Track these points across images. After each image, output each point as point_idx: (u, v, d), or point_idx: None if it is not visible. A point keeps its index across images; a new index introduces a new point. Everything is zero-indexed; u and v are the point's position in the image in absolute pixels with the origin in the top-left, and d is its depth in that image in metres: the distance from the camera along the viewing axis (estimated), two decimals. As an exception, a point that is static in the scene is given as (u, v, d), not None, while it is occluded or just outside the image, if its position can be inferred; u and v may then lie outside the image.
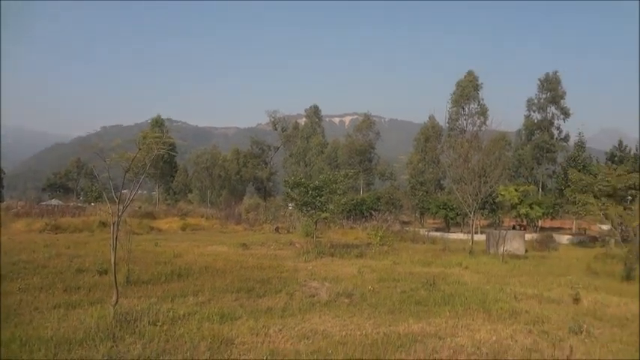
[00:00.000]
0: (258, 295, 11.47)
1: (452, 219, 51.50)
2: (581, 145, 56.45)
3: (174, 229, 36.91)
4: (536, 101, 60.66)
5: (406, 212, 62.09)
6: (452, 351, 7.37)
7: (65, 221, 32.00)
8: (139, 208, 51.28)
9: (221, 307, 9.75)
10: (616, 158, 44.74)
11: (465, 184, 27.97)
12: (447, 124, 62.67)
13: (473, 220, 30.90)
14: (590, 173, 39.39)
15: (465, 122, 62.07)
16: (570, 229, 53.22)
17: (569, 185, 41.96)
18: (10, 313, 8.79)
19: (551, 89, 59.38)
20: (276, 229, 38.55)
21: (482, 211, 46.82)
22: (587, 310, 10.97)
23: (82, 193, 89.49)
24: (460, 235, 42.62)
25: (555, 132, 60.60)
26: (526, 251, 26.79)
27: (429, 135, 65.03)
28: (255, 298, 11.23)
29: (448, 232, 48.01)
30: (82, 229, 30.11)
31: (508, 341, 7.96)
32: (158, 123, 75.71)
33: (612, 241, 25.65)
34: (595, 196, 33.45)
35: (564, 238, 41.25)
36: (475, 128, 59.22)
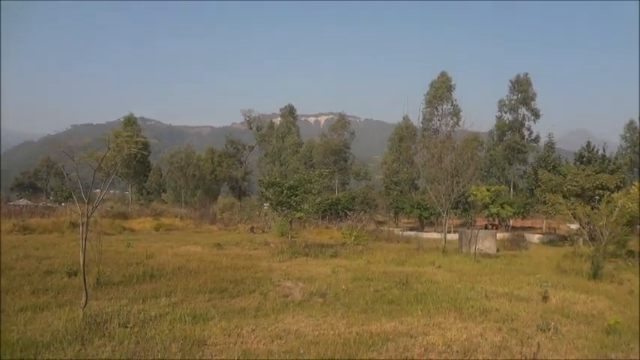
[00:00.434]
0: (231, 296, 11.40)
1: (426, 218, 52.09)
2: (551, 146, 57.72)
3: (148, 230, 36.40)
4: (507, 102, 61.77)
5: (381, 212, 62.58)
6: (423, 349, 7.46)
7: (34, 222, 31.23)
8: (111, 208, 50.45)
9: (194, 308, 9.65)
10: (584, 159, 45.77)
11: (438, 183, 28.29)
12: (421, 125, 63.33)
13: (446, 220, 31.28)
14: (560, 173, 40.26)
15: (438, 122, 62.84)
16: (541, 228, 54.35)
17: (539, 185, 42.82)
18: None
19: (522, 91, 60.56)
20: (251, 229, 38.38)
21: (455, 210, 47.46)
22: (555, 308, 11.22)
23: (51, 192, 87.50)
24: (434, 235, 43.11)
25: (526, 133, 61.85)
26: (498, 250, 27.26)
27: (403, 135, 65.57)
28: (228, 298, 11.16)
29: (422, 231, 48.53)
30: (51, 230, 29.42)
31: (478, 339, 8.09)
32: (130, 122, 74.54)
33: (580, 240, 26.25)
34: (564, 196, 34.21)
35: (535, 237, 42.08)
36: (448, 129, 59.98)
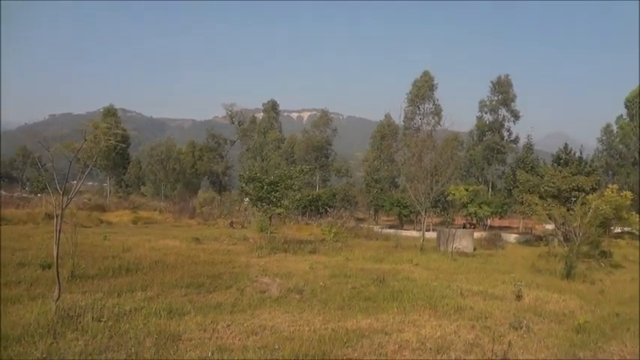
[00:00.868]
0: (208, 291, 11.36)
1: (405, 216, 52.44)
2: (529, 148, 58.54)
3: (126, 223, 35.98)
4: (487, 103, 62.43)
5: (361, 209, 62.79)
6: (397, 346, 7.54)
7: (8, 212, 30.59)
8: (89, 200, 49.73)
9: (169, 303, 9.60)
10: (561, 161, 46.50)
11: (418, 182, 28.50)
12: (403, 123, 63.74)
13: (424, 218, 31.54)
14: (537, 175, 40.88)
15: (420, 121, 63.28)
16: (518, 228, 55.11)
17: (517, 186, 43.40)
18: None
19: (503, 92, 61.26)
20: (231, 224, 38.19)
21: (434, 209, 47.89)
22: (528, 307, 11.42)
23: (27, 183, 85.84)
24: (413, 233, 43.44)
25: (506, 134, 62.62)
26: (475, 249, 27.59)
27: (385, 133, 65.86)
28: (205, 293, 11.11)
29: (401, 229, 48.83)
30: (26, 221, 28.88)
31: (452, 336, 8.21)
32: (110, 112, 73.39)
33: (555, 240, 26.72)
34: (541, 197, 34.76)
35: (512, 237, 42.66)
36: (430, 128, 60.48)
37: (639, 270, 20.37)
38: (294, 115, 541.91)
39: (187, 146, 78.02)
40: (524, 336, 8.53)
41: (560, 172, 37.93)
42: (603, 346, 8.18)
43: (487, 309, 10.68)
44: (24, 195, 57.07)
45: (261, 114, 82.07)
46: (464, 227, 43.37)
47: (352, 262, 18.32)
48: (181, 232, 29.57)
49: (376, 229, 41.85)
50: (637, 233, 33.97)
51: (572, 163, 44.59)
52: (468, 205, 41.23)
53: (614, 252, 26.08)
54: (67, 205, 8.55)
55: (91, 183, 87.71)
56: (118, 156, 73.21)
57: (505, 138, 62.36)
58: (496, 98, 61.87)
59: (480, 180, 60.20)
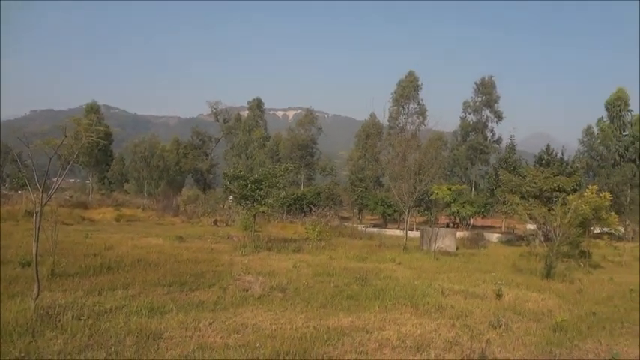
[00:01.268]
0: (190, 289, 11.31)
1: (389, 215, 52.74)
2: (512, 148, 59.31)
3: (108, 220, 35.59)
4: (471, 104, 63.11)
5: (346, 208, 62.99)
6: (378, 344, 7.61)
7: (-13, 209, 30.11)
8: (71, 197, 49.04)
9: (151, 301, 9.54)
10: (543, 161, 47.22)
11: (402, 182, 28.68)
12: (388, 123, 64.05)
13: (407, 217, 31.75)
14: (520, 175, 41.36)
15: (404, 121, 63.69)
16: (500, 227, 55.78)
17: (499, 186, 43.89)
18: None
19: (486, 93, 61.95)
20: (215, 222, 38.01)
21: (418, 208, 48.22)
22: (507, 305, 11.57)
23: (7, 180, 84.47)
24: (397, 232, 43.70)
25: (489, 134, 63.47)
26: (457, 248, 27.86)
27: (370, 132, 66.19)
28: (187, 291, 11.07)
29: (385, 228, 49.10)
30: (6, 219, 28.43)
31: (432, 334, 8.31)
32: (93, 109, 72.44)
33: (536, 240, 27.13)
34: (523, 197, 35.24)
35: (494, 237, 43.16)
36: (414, 127, 60.91)
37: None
38: (280, 113, 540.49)
39: (172, 144, 77.41)
40: (503, 334, 8.65)
41: (542, 172, 38.44)
42: (579, 344, 8.34)
43: (467, 307, 10.81)
44: (4, 192, 56.17)
45: (247, 112, 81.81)
46: (447, 226, 43.76)
47: (336, 261, 18.37)
48: (165, 230, 29.39)
49: (360, 228, 41.99)
50: (615, 234, 34.59)
51: (554, 163, 45.29)
52: (452, 204, 41.62)
53: (593, 252, 26.52)
54: (46, 203, 8.48)
55: (73, 180, 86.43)
56: (101, 153, 72.45)
57: (488, 138, 63.14)
58: (480, 99, 62.61)
59: (464, 180, 60.85)
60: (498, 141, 63.37)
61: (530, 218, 26.16)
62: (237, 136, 76.75)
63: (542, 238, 23.07)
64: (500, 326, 9.05)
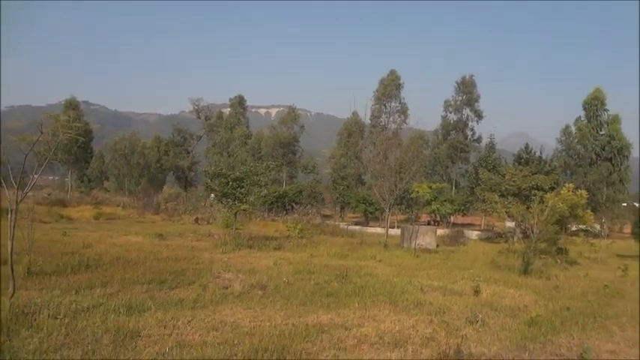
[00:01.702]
0: (170, 287, 11.26)
1: (371, 213, 52.97)
2: (492, 147, 60.10)
3: (87, 218, 35.13)
4: (452, 103, 63.73)
5: (328, 206, 63.12)
6: (356, 340, 7.69)
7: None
8: (49, 195, 48.26)
9: (129, 299, 9.48)
10: (522, 160, 47.85)
11: (383, 180, 28.84)
12: (370, 121, 64.32)
13: (388, 215, 31.94)
14: (499, 173, 41.93)
15: (386, 120, 64.05)
16: (480, 225, 56.46)
17: (479, 184, 44.46)
18: None
19: (467, 92, 62.61)
20: (196, 220, 37.82)
21: (399, 206, 48.57)
22: (485, 301, 11.75)
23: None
24: (378, 229, 43.90)
25: (469, 133, 64.16)
26: (437, 246, 28.10)
27: (352, 130, 66.38)
28: (166, 289, 11.01)
29: (367, 226, 49.33)
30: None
31: (410, 331, 8.41)
32: (72, 105, 71.36)
33: (515, 237, 27.54)
34: (502, 195, 35.73)
35: (474, 234, 43.65)
36: (395, 126, 61.28)
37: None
38: (262, 110, 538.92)
39: (153, 141, 76.53)
40: (479, 330, 8.80)
41: (521, 171, 39.00)
42: (552, 339, 8.52)
43: (446, 304, 10.95)
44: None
45: (229, 109, 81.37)
46: (428, 224, 44.16)
47: (317, 259, 18.42)
48: (145, 228, 29.13)
49: (342, 225, 42.11)
50: (592, 231, 35.26)
51: (533, 162, 45.94)
52: (432, 202, 41.99)
53: (570, 249, 26.95)
54: (21, 200, 8.36)
55: (52, 177, 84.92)
56: (80, 150, 71.39)
57: (469, 137, 63.82)
58: (460, 98, 63.23)
59: (444, 178, 61.42)
60: (478, 140, 64.15)
61: (509, 216, 26.54)
62: (219, 134, 76.30)
63: (520, 236, 23.43)
64: (476, 322, 9.19)
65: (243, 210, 25.99)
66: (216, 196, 26.74)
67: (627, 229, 47.45)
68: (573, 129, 61.21)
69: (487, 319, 9.59)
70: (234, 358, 6.61)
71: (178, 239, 22.66)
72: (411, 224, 32.68)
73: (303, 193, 56.80)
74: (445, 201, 46.30)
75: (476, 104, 63.19)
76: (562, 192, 27.05)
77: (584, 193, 27.56)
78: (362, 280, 13.43)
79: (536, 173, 39.17)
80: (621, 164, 56.99)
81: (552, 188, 35.83)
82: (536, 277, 17.27)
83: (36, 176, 9.12)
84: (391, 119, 63.94)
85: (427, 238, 27.03)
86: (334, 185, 62.09)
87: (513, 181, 37.48)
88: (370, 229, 44.27)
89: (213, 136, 76.97)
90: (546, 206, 22.08)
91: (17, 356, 6.21)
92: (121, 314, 8.38)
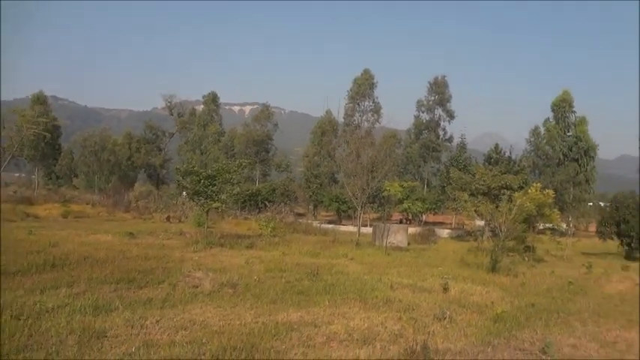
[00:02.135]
0: (139, 286, 11.11)
1: (344, 212, 53.22)
2: (463, 147, 61.11)
3: (55, 217, 34.31)
4: (425, 103, 64.47)
5: (301, 204, 63.12)
6: (325, 338, 7.74)
7: None
8: (15, 192, 47.01)
9: (96, 299, 9.33)
10: (492, 160, 48.78)
11: (356, 178, 29.01)
12: (343, 120, 64.58)
13: (360, 214, 32.17)
14: (470, 173, 42.66)
15: (359, 118, 64.39)
16: (450, 223, 57.30)
17: (450, 183, 45.12)
18: None
19: (439, 92, 63.43)
20: (167, 219, 37.36)
21: (371, 205, 48.90)
22: (453, 298, 11.97)
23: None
24: (350, 228, 44.10)
25: (441, 133, 65.06)
26: (409, 244, 28.43)
27: (326, 129, 66.52)
28: (135, 289, 10.86)
29: (340, 224, 49.53)
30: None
31: (378, 328, 8.51)
32: (40, 100, 69.58)
33: (484, 235, 28.08)
34: (472, 194, 36.38)
35: (445, 232, 44.34)
36: (369, 125, 61.67)
37: None
38: (236, 108, 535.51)
39: (124, 137, 75.00)
40: (447, 326, 8.96)
41: (491, 170, 39.76)
42: (516, 334, 8.75)
43: (415, 301, 11.11)
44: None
45: (202, 106, 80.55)
46: (400, 223, 44.59)
47: (288, 257, 18.43)
48: (115, 226, 28.63)
49: (315, 224, 42.17)
50: (558, 229, 36.17)
51: (502, 162, 46.89)
52: (404, 201, 42.44)
53: (538, 247, 27.59)
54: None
55: (18, 175, 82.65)
56: (48, 146, 69.60)
57: (440, 137, 64.69)
58: (433, 98, 64.01)
59: (416, 177, 62.14)
60: (450, 139, 65.13)
61: (478, 215, 27.02)
62: (191, 131, 75.42)
63: (489, 234, 23.88)
64: (444, 318, 9.36)
65: (215, 208, 25.77)
66: (188, 194, 26.48)
67: (592, 228, 48.79)
68: (542, 130, 62.57)
69: (455, 315, 9.78)
70: (202, 357, 6.58)
71: (149, 238, 22.36)
72: (383, 222, 32.95)
73: (277, 191, 56.66)
74: (417, 200, 46.89)
75: (448, 104, 64.11)
76: (530, 191, 27.69)
77: (551, 192, 28.27)
78: (333, 278, 13.51)
79: (505, 173, 39.99)
80: (587, 165, 58.53)
81: (521, 188, 36.61)
82: (503, 274, 17.65)
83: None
84: (364, 118, 64.36)
85: (399, 236, 27.32)
86: (307, 184, 62.11)
87: (483, 180, 38.18)
88: (343, 228, 44.46)
89: (185, 133, 76.03)
90: (514, 205, 22.56)
91: (-23, 358, 6.07)
92: (88, 314, 8.24)
